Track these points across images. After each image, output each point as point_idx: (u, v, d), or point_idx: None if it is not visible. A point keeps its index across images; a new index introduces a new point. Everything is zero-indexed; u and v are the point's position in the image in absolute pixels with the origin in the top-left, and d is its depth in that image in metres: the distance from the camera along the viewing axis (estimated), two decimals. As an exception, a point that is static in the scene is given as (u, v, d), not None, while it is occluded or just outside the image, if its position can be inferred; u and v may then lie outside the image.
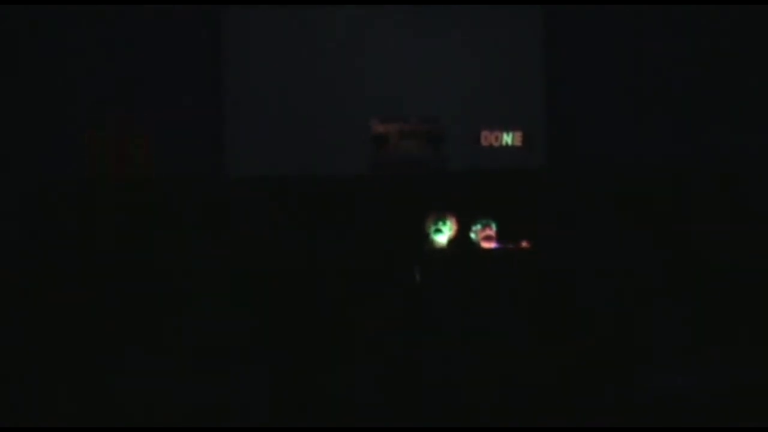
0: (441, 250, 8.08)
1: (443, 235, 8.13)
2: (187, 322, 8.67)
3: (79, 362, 7.90)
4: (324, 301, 8.16)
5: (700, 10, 10.41)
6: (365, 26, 10.66)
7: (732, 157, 10.25)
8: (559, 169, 10.46)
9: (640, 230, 9.82)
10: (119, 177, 10.41)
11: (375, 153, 10.36)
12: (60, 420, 7.04)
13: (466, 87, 10.55)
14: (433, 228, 8.14)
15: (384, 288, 7.95)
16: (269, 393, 7.38)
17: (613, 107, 10.49)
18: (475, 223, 8.36)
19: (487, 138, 10.31)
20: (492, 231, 8.35)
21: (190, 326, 8.59)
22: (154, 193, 10.34)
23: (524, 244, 8.36)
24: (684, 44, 10.47)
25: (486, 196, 10.08)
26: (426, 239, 8.16)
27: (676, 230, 9.84)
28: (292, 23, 10.66)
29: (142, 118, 10.56)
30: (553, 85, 10.56)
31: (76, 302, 9.02)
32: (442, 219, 8.16)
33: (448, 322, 7.64)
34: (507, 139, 10.31)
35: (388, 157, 10.39)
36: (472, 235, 8.32)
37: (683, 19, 10.47)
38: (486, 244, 8.31)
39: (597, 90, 10.52)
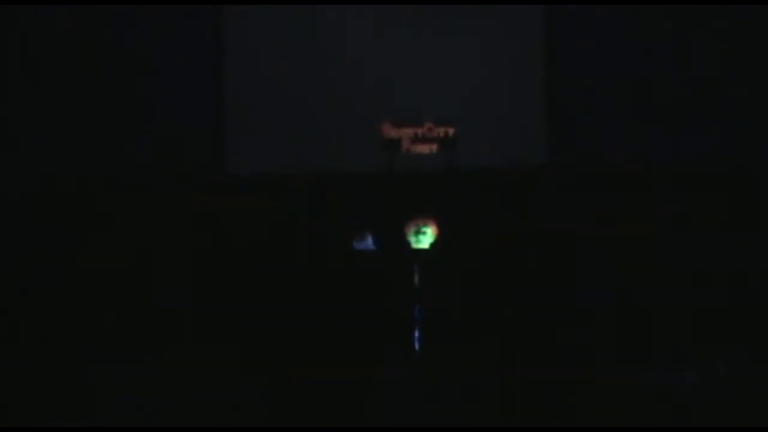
0: (423, 253, 8.07)
1: (424, 241, 8.11)
2: (185, 320, 8.67)
3: (71, 361, 7.90)
4: (323, 301, 8.16)
5: (700, 10, 10.41)
6: (365, 27, 10.67)
7: (734, 156, 10.25)
8: (558, 168, 10.46)
9: (639, 229, 9.82)
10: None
11: (387, 157, 10.32)
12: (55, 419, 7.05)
13: (466, 87, 10.55)
14: (414, 233, 8.12)
15: (383, 290, 7.95)
16: (270, 395, 7.38)
17: (613, 106, 10.49)
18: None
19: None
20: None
21: (188, 324, 8.59)
22: (156, 189, 10.36)
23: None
24: (683, 43, 10.47)
25: (487, 196, 10.10)
26: (407, 244, 8.15)
27: (676, 229, 9.84)
28: (298, 23, 10.67)
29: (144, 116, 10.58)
30: (553, 84, 10.56)
31: (75, 299, 9.02)
32: (423, 225, 8.14)
33: (442, 320, 7.66)
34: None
35: (399, 161, 10.35)
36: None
37: (683, 18, 10.47)
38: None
39: (597, 89, 10.52)
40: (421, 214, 8.19)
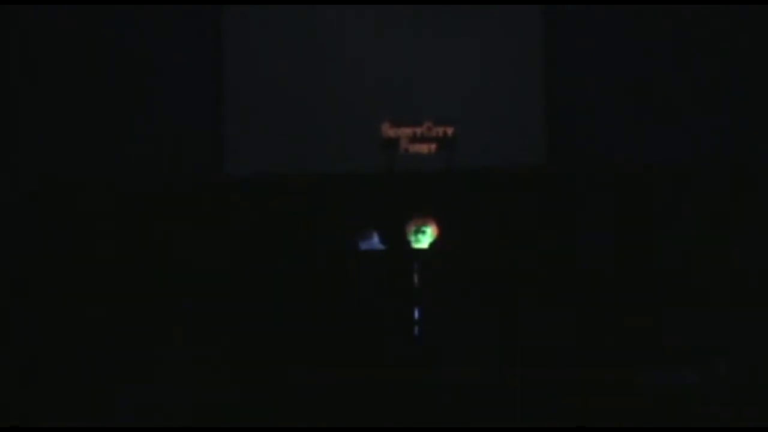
0: (423, 253, 8.07)
1: (423, 241, 8.11)
2: (186, 319, 8.67)
3: (80, 359, 7.91)
4: (323, 301, 8.16)
5: (700, 10, 10.41)
6: (365, 27, 10.66)
7: (734, 156, 10.25)
8: (558, 168, 10.46)
9: (639, 229, 9.82)
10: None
11: (385, 157, 10.30)
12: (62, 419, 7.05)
13: (466, 87, 10.54)
14: (414, 233, 8.12)
15: (383, 290, 7.95)
16: (270, 395, 7.39)
17: (613, 106, 10.49)
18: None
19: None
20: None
21: (189, 324, 8.59)
22: (155, 190, 10.36)
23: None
24: (683, 43, 10.47)
25: (487, 196, 10.10)
26: (408, 243, 8.15)
27: (676, 229, 9.84)
28: (298, 23, 10.66)
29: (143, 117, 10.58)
30: (553, 84, 10.55)
31: (75, 300, 9.02)
32: (423, 225, 8.14)
33: (443, 324, 7.66)
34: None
35: (399, 161, 10.33)
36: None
37: (683, 18, 10.46)
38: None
39: (597, 89, 10.51)
40: (420, 213, 8.20)
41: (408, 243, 8.08)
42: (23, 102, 10.52)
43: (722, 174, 10.13)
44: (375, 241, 8.42)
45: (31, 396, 7.38)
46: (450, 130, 10.31)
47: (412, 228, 8.11)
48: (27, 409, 7.19)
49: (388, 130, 10.36)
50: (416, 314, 7.69)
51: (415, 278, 7.79)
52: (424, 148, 10.35)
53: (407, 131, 10.37)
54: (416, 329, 7.66)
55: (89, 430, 6.99)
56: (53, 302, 9.04)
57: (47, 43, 10.54)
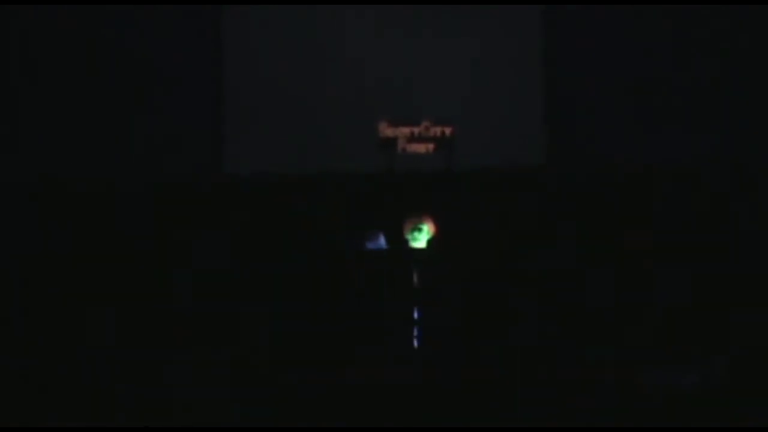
0: (421, 252, 8.08)
1: (421, 239, 8.12)
2: (186, 319, 8.67)
3: (80, 359, 7.91)
4: (323, 301, 8.17)
5: (700, 10, 10.41)
6: (365, 27, 10.67)
7: (734, 156, 10.25)
8: (558, 168, 10.46)
9: (640, 229, 9.81)
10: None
11: (383, 156, 10.31)
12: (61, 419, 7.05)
13: (465, 87, 10.55)
14: (411, 232, 8.13)
15: (383, 290, 7.95)
16: (270, 395, 7.39)
17: (613, 106, 10.49)
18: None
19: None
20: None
21: (189, 324, 8.59)
22: (155, 190, 10.36)
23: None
24: (683, 43, 10.47)
25: (487, 196, 10.10)
26: (405, 243, 8.17)
27: (676, 229, 9.84)
28: (298, 23, 10.67)
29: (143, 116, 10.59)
30: (553, 84, 10.55)
31: (75, 300, 9.02)
32: (420, 223, 8.15)
33: (442, 320, 7.66)
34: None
35: (399, 161, 10.33)
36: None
37: (683, 18, 10.46)
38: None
39: (597, 89, 10.52)
40: (417, 212, 8.21)
41: (407, 242, 8.09)
42: (23, 102, 10.52)
43: (722, 174, 10.13)
44: (381, 242, 8.43)
45: (31, 396, 7.37)
46: (448, 130, 10.31)
47: (409, 227, 8.13)
48: (27, 409, 7.19)
49: (386, 130, 10.35)
50: (416, 314, 7.69)
51: (415, 278, 7.79)
52: (422, 148, 10.34)
53: (405, 131, 10.36)
54: (416, 329, 7.66)
55: (89, 430, 6.98)
56: (53, 302, 9.03)
57: (47, 43, 10.54)
